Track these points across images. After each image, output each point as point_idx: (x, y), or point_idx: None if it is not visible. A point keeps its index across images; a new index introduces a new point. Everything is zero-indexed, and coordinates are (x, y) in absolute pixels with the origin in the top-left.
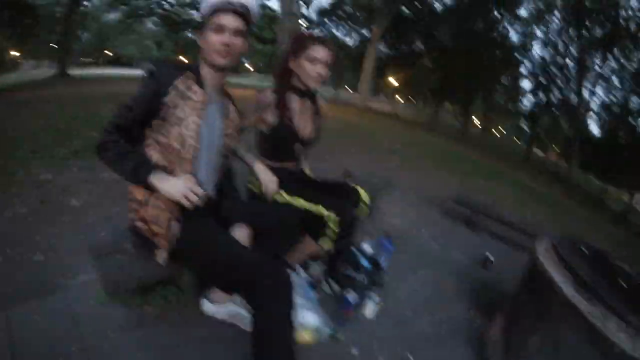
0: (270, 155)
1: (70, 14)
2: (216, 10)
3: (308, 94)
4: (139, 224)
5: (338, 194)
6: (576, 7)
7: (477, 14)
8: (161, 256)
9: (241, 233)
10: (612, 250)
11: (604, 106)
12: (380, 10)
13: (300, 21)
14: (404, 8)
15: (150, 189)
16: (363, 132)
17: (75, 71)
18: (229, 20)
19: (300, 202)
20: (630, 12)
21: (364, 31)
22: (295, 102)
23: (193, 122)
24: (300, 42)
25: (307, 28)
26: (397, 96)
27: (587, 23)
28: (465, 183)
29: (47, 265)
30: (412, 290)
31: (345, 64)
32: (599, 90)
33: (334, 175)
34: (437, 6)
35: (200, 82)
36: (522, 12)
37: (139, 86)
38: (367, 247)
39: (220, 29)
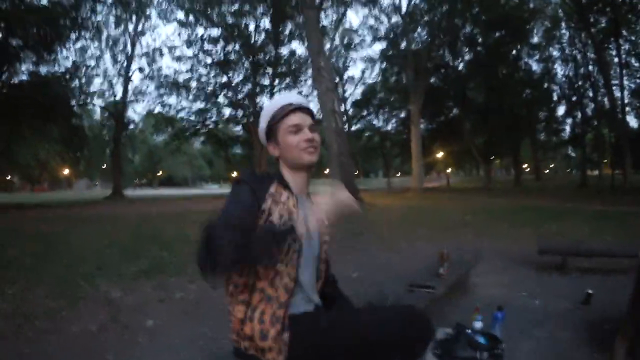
0: None
1: (117, 136)
2: (283, 116)
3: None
4: (245, 343)
5: None
6: (576, 7)
7: (498, 58)
8: None
9: None
10: None
11: (633, 93)
12: (411, 88)
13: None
14: (432, 80)
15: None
16: (428, 211)
17: (129, 192)
18: (301, 118)
19: None
20: None
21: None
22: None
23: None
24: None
25: (348, 124)
26: (448, 169)
27: (591, 19)
28: (538, 231)
29: None
30: (531, 352)
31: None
32: (625, 81)
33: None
34: (461, 67)
35: (288, 188)
36: (535, 39)
37: (231, 195)
38: (477, 323)
39: (297, 129)
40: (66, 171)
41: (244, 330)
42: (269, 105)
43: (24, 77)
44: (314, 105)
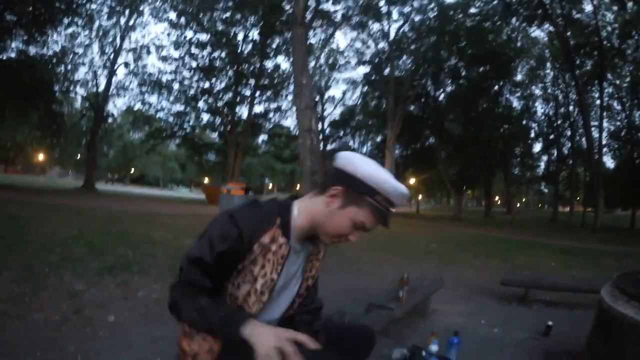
0: None
1: (95, 128)
2: (372, 205)
3: None
4: (180, 352)
5: None
6: (563, 49)
7: (480, 92)
8: None
9: None
10: None
11: (612, 134)
12: (390, 114)
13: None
14: (412, 107)
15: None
16: (395, 237)
17: (101, 185)
18: (375, 224)
19: None
20: (609, 28)
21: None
22: None
23: (269, 280)
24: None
25: (324, 143)
26: (418, 196)
27: (577, 61)
28: (504, 263)
29: None
30: None
31: None
32: (604, 123)
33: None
34: (442, 98)
35: (287, 232)
36: (519, 77)
37: (217, 233)
38: (433, 347)
39: (361, 227)
40: (41, 157)
41: (182, 343)
42: (382, 176)
43: (12, 56)
44: (292, 122)
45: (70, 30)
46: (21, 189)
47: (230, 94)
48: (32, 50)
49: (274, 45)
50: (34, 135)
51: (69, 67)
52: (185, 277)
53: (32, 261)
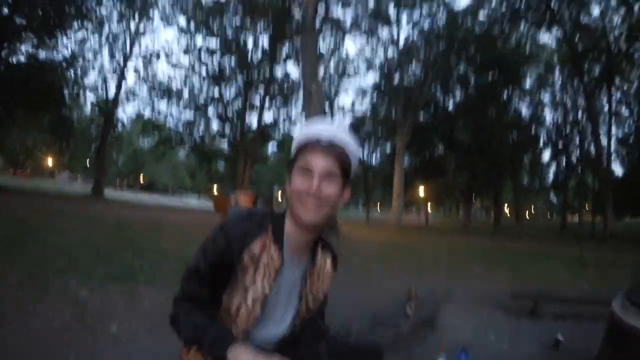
0: None
1: (104, 134)
2: (302, 148)
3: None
4: None
5: None
6: (571, 54)
7: (489, 99)
8: None
9: None
10: None
11: (620, 142)
12: (400, 122)
13: None
14: (421, 116)
15: None
16: (404, 248)
17: (110, 192)
18: (319, 161)
19: None
20: (616, 33)
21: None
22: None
23: (260, 292)
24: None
25: None
26: (427, 206)
27: (585, 66)
28: (515, 275)
29: None
30: None
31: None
32: (612, 129)
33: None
34: (451, 107)
35: (280, 241)
36: (527, 84)
37: (209, 243)
38: None
39: (306, 172)
40: (50, 161)
41: (182, 355)
42: (300, 131)
43: (22, 60)
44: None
45: (80, 34)
46: (30, 194)
47: (239, 102)
48: (42, 54)
49: (283, 52)
50: (44, 139)
51: (79, 71)
52: (183, 290)
53: (37, 267)
